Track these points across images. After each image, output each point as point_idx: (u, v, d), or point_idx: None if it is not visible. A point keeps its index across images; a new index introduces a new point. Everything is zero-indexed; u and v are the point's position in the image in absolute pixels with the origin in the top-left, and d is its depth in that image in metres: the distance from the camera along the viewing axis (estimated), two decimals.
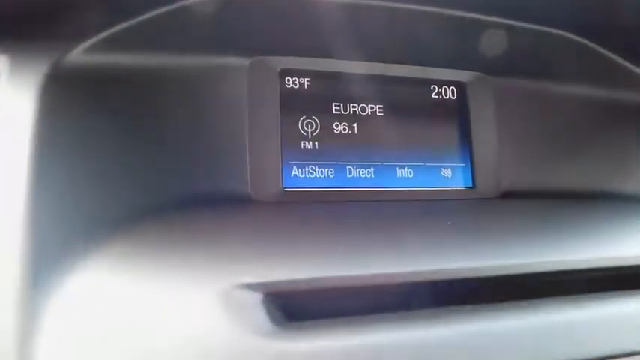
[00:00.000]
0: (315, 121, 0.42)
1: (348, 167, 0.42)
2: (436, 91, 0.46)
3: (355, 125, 0.43)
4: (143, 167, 0.26)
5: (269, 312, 0.19)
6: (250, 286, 0.19)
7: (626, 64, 0.41)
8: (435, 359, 0.17)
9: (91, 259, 0.18)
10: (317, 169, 0.42)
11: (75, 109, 0.25)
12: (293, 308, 0.19)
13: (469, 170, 0.46)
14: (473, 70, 0.46)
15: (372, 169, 0.43)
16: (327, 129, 0.42)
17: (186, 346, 0.16)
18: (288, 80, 0.41)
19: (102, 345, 0.16)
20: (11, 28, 0.26)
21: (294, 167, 0.41)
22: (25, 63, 0.25)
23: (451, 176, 0.46)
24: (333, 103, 0.43)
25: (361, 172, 0.43)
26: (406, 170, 0.44)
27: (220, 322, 0.17)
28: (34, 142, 0.21)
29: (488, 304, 0.21)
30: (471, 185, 0.45)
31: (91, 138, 0.24)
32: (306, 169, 0.41)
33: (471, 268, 0.22)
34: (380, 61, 0.44)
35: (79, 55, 0.27)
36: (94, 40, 0.28)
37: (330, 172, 0.42)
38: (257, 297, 0.19)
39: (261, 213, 0.33)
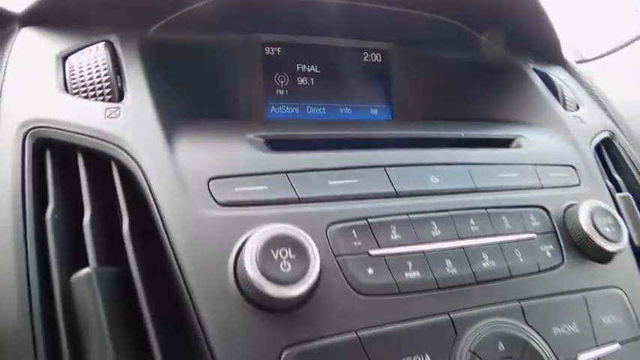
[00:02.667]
0: (285, 76, 0.61)
1: (307, 106, 0.63)
2: (367, 56, 0.65)
3: (312, 79, 0.63)
4: (194, 95, 0.49)
5: (268, 145, 0.40)
6: (259, 136, 0.40)
7: (480, 36, 0.64)
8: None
9: (184, 127, 0.41)
10: (287, 108, 0.62)
11: (156, 60, 0.46)
12: (281, 145, 0.41)
13: (389, 109, 0.68)
14: (392, 42, 0.65)
15: (324, 108, 0.65)
16: (293, 82, 0.61)
17: (226, 154, 0.38)
18: (267, 49, 0.60)
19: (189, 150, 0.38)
20: (116, 17, 0.47)
21: (272, 106, 0.61)
22: (126, 38, 0.46)
23: (377, 113, 0.67)
24: (297, 64, 0.61)
25: (316, 110, 0.64)
26: (347, 109, 0.65)
27: (246, 150, 0.39)
28: (147, 76, 0.43)
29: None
30: (390, 118, 0.68)
31: (168, 79, 0.46)
32: (280, 108, 0.62)
33: (386, 133, 0.47)
34: (329, 36, 0.62)
35: (152, 33, 0.49)
36: (158, 25, 0.49)
37: (295, 110, 0.62)
38: (261, 141, 0.41)
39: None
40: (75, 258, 0.33)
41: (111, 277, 0.33)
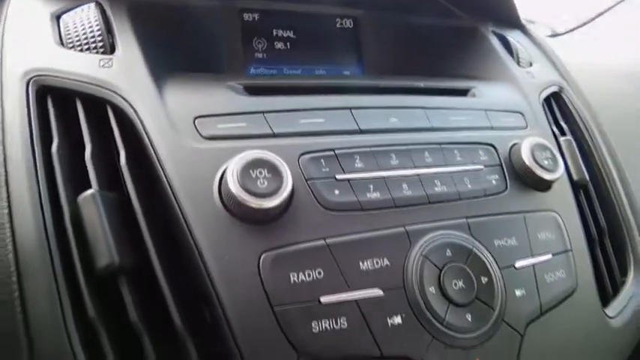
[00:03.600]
0: (263, 40, 0.65)
1: (284, 68, 0.69)
2: (340, 22, 0.69)
3: (288, 43, 0.68)
4: (179, 54, 0.53)
5: (247, 91, 0.45)
6: (239, 84, 0.46)
7: (444, 2, 0.70)
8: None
9: (170, 77, 0.46)
10: (265, 69, 0.68)
11: (143, 20, 0.51)
12: (258, 91, 0.46)
13: (361, 71, 0.73)
14: (362, 9, 0.70)
15: (300, 70, 0.70)
16: (270, 45, 0.66)
17: (210, 98, 0.44)
18: (245, 15, 0.64)
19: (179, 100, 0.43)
20: None
21: (252, 68, 0.65)
22: (116, 3, 0.51)
23: (349, 74, 0.74)
24: (274, 30, 0.66)
25: (293, 72, 0.70)
26: (321, 70, 0.71)
27: (228, 94, 0.44)
28: (135, 33, 0.47)
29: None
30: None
31: (155, 38, 0.50)
32: (259, 69, 0.67)
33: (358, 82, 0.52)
34: (304, 2, 0.67)
35: None
36: None
37: (273, 71, 0.69)
38: (241, 87, 0.46)
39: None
40: (79, 187, 0.38)
41: (112, 199, 0.38)
